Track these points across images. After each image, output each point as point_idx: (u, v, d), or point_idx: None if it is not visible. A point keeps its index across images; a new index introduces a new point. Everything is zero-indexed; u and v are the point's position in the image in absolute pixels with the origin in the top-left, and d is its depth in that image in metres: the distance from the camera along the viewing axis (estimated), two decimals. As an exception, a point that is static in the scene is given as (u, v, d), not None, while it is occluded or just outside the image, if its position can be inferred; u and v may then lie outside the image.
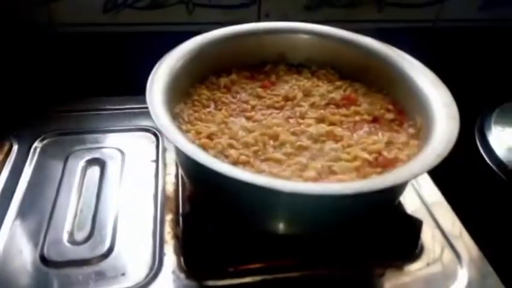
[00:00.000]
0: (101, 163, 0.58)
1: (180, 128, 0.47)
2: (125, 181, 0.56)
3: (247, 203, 0.42)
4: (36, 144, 0.60)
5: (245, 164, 0.44)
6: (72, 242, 0.48)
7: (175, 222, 0.50)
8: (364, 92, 0.56)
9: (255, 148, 0.46)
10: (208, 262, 0.45)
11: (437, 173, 0.55)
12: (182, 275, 0.45)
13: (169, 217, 0.51)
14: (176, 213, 0.51)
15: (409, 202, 0.54)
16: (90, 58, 0.71)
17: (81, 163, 0.57)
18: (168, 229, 0.50)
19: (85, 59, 0.71)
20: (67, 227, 0.49)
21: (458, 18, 0.80)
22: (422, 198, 0.55)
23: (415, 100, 0.50)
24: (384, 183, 0.37)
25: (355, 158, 0.45)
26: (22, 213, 0.51)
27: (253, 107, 0.53)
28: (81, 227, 0.50)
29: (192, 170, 0.46)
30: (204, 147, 0.45)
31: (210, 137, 0.47)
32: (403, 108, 0.53)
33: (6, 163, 0.57)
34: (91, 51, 0.71)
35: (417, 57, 0.54)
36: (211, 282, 0.44)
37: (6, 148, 0.59)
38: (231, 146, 0.46)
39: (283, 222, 0.43)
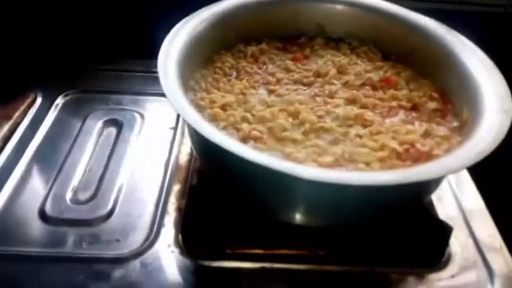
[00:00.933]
0: (118, 125, 0.56)
1: (194, 95, 0.44)
2: (140, 145, 0.53)
3: (251, 184, 0.38)
4: (59, 99, 0.59)
5: (256, 140, 0.40)
6: (75, 200, 0.46)
7: (182, 193, 0.47)
8: (407, 76, 0.49)
9: (270, 124, 0.42)
10: (206, 240, 0.42)
11: (483, 176, 0.48)
12: (177, 250, 0.42)
13: (176, 187, 0.48)
14: (184, 185, 0.48)
15: (444, 205, 0.47)
16: (124, 18, 0.69)
17: (100, 123, 0.56)
18: (172, 200, 0.47)
19: (119, 18, 0.69)
20: (72, 184, 0.48)
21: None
22: (460, 202, 0.48)
23: (465, 89, 0.43)
24: (403, 177, 0.31)
25: (382, 148, 0.40)
26: (34, 164, 0.50)
27: (278, 81, 0.48)
28: (86, 186, 0.48)
29: (196, 140, 0.43)
30: (214, 118, 0.42)
31: (224, 107, 0.43)
32: (449, 98, 0.46)
33: (28, 114, 0.57)
34: (125, 11, 0.69)
35: (481, 46, 0.46)
36: (206, 263, 0.41)
37: (30, 100, 0.58)
38: (244, 119, 0.42)
39: (288, 207, 0.39)
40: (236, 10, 0.51)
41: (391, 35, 0.51)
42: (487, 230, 0.45)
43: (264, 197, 0.39)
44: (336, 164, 0.38)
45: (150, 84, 0.63)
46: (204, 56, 0.49)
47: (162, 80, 0.38)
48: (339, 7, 0.53)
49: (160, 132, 0.55)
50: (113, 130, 0.55)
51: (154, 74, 0.64)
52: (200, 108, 0.42)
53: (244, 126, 0.41)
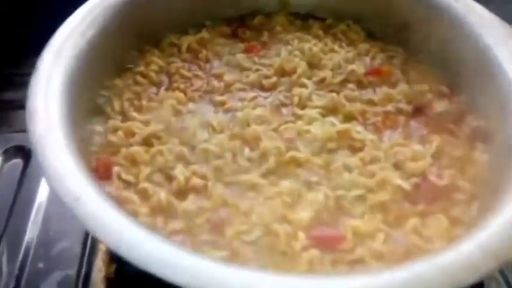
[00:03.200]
0: (25, 154, 0.42)
1: (103, 125, 0.30)
2: (54, 183, 0.40)
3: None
4: None
5: (198, 191, 0.27)
6: (-39, 283, 0.33)
7: (111, 254, 0.35)
8: (403, 62, 0.36)
9: (219, 162, 0.29)
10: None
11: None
12: None
13: (103, 246, 0.35)
14: (114, 241, 0.36)
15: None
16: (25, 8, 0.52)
17: (-1, 154, 0.42)
18: (99, 264, 0.34)
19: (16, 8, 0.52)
20: (-43, 258, 0.35)
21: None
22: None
23: (486, 81, 0.31)
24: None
25: (382, 185, 0.28)
26: None
27: (228, 86, 0.34)
28: (-23, 257, 0.35)
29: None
30: (134, 162, 0.28)
31: (148, 140, 0.30)
32: (463, 92, 0.33)
33: None
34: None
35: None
36: None
37: None
38: (180, 157, 0.29)
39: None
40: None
41: (378, 5, 0.38)
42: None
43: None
44: (316, 222, 0.26)
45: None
46: (117, 56, 0.34)
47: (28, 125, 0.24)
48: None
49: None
50: (17, 163, 0.42)
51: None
52: (112, 149, 0.29)
53: (179, 171, 0.28)
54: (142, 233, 0.21)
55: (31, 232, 0.36)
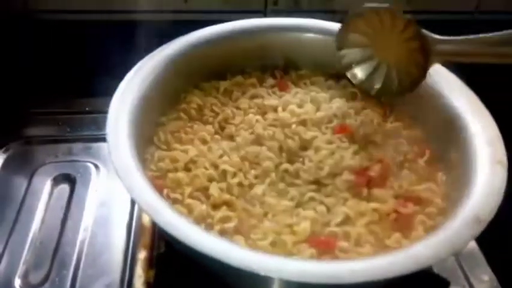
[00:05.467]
0: (71, 181, 0.50)
1: (153, 155, 0.39)
2: (97, 204, 0.47)
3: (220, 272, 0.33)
4: (-2, 155, 0.52)
5: (228, 205, 0.35)
6: (26, 285, 0.40)
7: (149, 263, 0.42)
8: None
9: (236, 180, 0.37)
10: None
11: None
12: None
13: (142, 255, 0.43)
14: (151, 251, 0.43)
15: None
16: (70, 50, 0.61)
17: (49, 181, 0.49)
18: (139, 271, 0.41)
19: (63, 50, 0.61)
20: (22, 264, 0.42)
21: (500, 10, 0.68)
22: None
23: (447, 126, 0.40)
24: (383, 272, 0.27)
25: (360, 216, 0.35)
26: (-28, 244, 0.43)
27: (245, 111, 0.43)
28: (38, 264, 0.42)
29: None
30: (179, 184, 0.36)
31: (187, 166, 0.38)
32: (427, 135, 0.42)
33: (-38, 178, 0.49)
34: (71, 42, 0.62)
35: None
36: None
37: (-37, 160, 0.51)
38: (211, 178, 0.37)
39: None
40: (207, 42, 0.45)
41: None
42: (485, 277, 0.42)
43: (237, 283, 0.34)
44: (313, 232, 0.34)
45: (102, 126, 0.56)
46: (168, 99, 0.42)
47: (113, 158, 0.32)
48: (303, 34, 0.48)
49: (118, 186, 0.48)
50: (65, 188, 0.49)
51: (104, 114, 0.58)
52: (162, 173, 0.37)
53: (214, 190, 0.36)
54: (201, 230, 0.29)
55: (80, 245, 0.44)
